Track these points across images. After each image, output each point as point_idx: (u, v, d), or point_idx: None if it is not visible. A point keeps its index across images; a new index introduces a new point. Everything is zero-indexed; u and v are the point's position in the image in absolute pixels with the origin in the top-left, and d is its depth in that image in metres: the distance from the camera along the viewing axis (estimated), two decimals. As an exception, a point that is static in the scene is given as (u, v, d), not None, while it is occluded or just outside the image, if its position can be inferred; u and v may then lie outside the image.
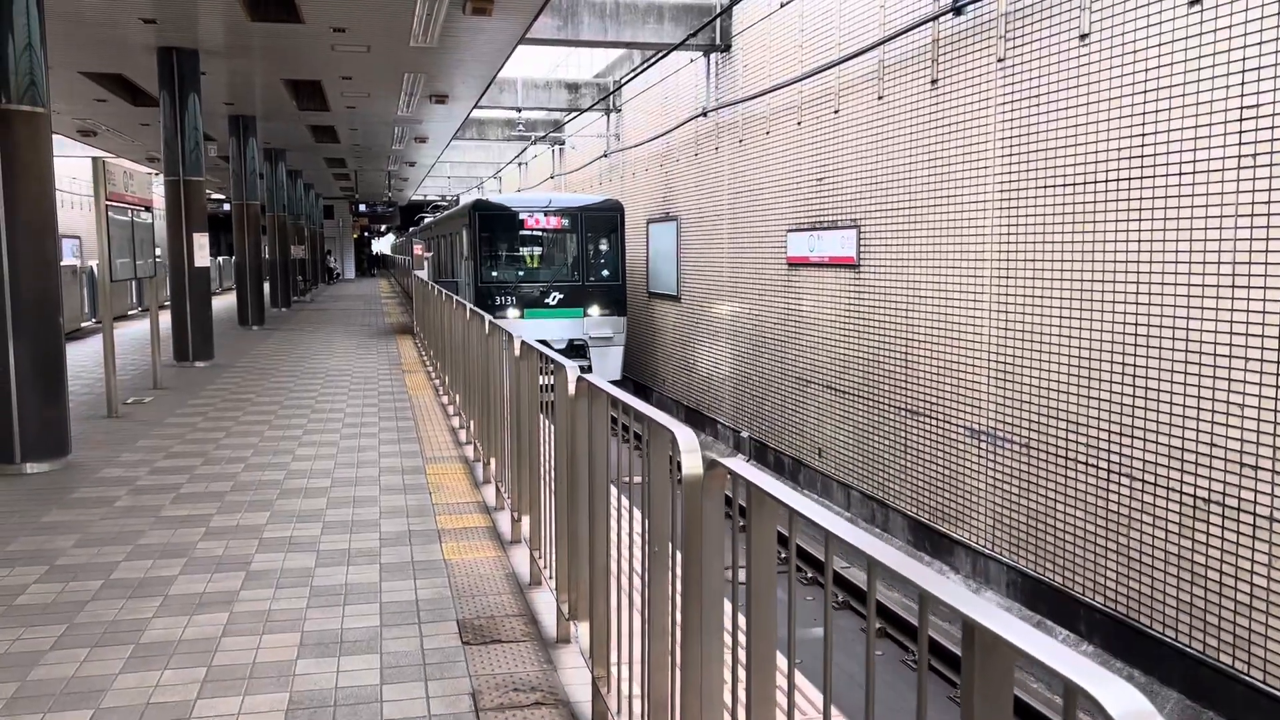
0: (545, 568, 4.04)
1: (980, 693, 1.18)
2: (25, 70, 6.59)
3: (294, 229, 27.78)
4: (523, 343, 4.45)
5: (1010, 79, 8.43)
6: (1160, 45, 6.87)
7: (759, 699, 1.84)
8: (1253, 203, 6.19)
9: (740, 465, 1.96)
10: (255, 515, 5.46)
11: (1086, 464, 7.61)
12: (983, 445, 8.88)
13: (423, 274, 17.45)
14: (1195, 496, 6.63)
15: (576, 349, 16.95)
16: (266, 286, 20.79)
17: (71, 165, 23.62)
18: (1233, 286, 6.33)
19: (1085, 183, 7.57)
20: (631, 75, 19.82)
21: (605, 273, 17.69)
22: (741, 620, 1.94)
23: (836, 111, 11.60)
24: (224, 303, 22.14)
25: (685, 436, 2.22)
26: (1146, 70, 6.98)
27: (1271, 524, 6.09)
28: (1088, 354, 7.58)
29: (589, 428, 3.13)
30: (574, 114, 23.64)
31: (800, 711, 3.07)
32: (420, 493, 5.97)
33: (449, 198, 49.33)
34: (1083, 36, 7.58)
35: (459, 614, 3.97)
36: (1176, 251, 6.75)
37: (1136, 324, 7.11)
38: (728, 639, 2.07)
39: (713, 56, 15.75)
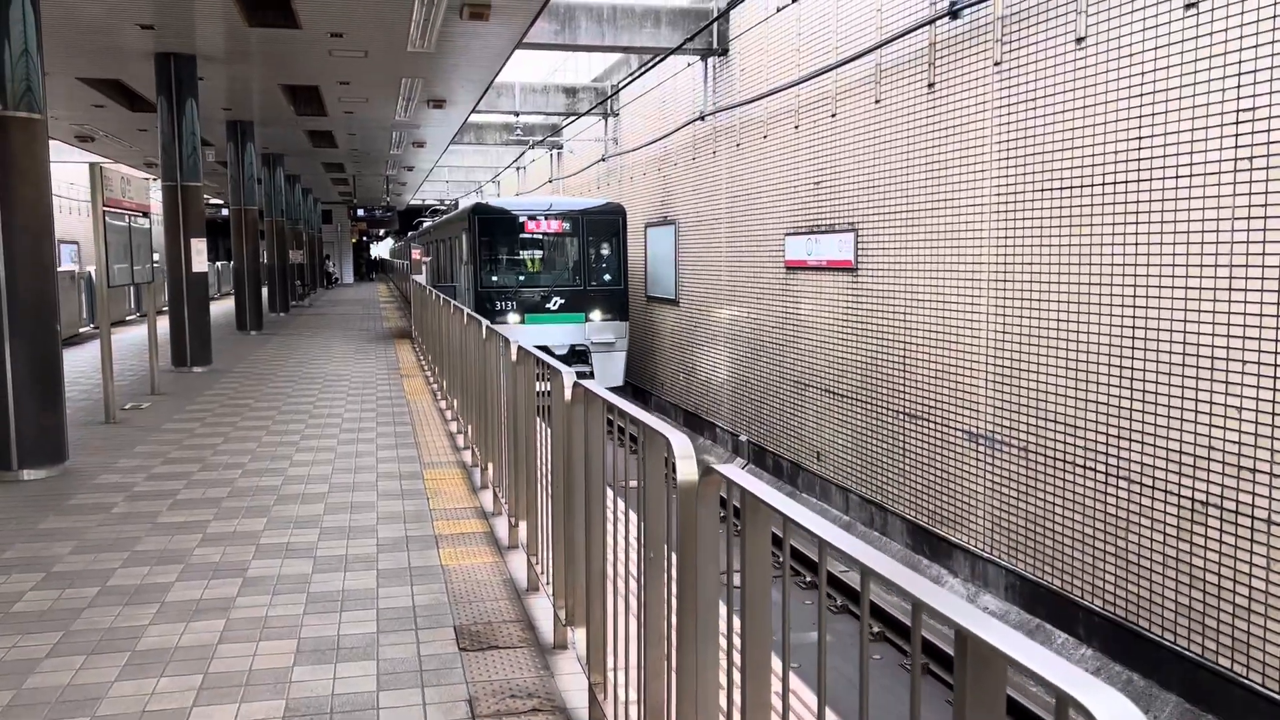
0: (542, 573, 4.03)
1: (972, 698, 1.18)
2: (21, 76, 6.60)
3: (292, 234, 27.82)
4: (519, 348, 4.44)
5: (1007, 83, 8.45)
6: (1157, 49, 6.88)
7: (754, 704, 1.84)
8: (1249, 205, 6.20)
9: (735, 472, 1.96)
10: (252, 521, 5.45)
11: (1084, 467, 7.61)
12: (981, 449, 8.88)
13: (421, 279, 17.38)
14: (1193, 499, 6.63)
15: (579, 354, 16.77)
16: (265, 291, 20.81)
17: (69, 171, 23.61)
18: (1230, 289, 6.34)
19: (1082, 186, 7.58)
20: (629, 79, 19.83)
21: (607, 277, 17.42)
22: (737, 624, 1.93)
23: (834, 115, 11.61)
24: (222, 308, 22.15)
25: (680, 443, 2.22)
26: (1143, 74, 7.00)
27: (1270, 526, 6.09)
28: (1085, 357, 7.58)
29: (585, 433, 3.13)
30: (572, 118, 23.64)
31: (796, 716, 3.07)
32: (418, 498, 5.96)
33: (447, 202, 49.34)
34: (1079, 40, 7.59)
35: (456, 620, 3.96)
36: (1174, 254, 6.76)
37: (1134, 327, 7.12)
38: (723, 644, 2.07)
39: (710, 60, 15.76)
